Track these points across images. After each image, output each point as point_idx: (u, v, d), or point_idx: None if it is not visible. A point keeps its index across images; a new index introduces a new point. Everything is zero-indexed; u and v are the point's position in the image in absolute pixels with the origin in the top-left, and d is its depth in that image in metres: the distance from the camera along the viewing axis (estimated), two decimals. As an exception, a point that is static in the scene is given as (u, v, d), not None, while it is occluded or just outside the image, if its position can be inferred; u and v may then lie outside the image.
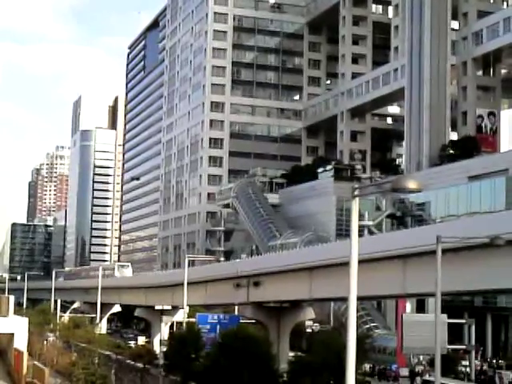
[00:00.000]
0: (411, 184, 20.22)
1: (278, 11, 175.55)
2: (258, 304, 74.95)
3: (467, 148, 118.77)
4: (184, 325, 79.29)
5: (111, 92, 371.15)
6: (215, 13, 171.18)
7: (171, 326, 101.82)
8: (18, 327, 52.61)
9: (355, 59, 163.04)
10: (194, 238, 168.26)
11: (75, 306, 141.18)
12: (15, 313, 62.66)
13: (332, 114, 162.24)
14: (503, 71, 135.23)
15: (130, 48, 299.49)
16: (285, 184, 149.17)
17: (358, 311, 58.66)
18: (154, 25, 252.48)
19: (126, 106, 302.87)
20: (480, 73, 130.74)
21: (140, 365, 65.81)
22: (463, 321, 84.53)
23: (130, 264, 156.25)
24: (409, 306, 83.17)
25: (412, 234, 64.47)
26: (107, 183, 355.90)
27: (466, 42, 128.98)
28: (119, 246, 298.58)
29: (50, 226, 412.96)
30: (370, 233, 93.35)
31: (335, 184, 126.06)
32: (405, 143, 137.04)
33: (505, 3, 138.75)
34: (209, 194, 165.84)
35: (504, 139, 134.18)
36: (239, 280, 76.76)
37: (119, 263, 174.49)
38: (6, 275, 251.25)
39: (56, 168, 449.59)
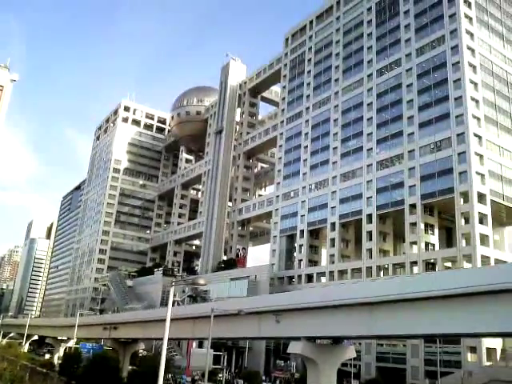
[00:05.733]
0: (201, 281, 20.41)
1: (143, 188, 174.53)
2: (115, 339, 70.60)
3: (231, 264, 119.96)
4: (73, 349, 74.29)
5: (50, 220, 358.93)
6: (111, 186, 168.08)
7: (65, 349, 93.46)
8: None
9: (180, 215, 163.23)
10: (85, 301, 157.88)
11: (11, 334, 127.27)
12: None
13: (165, 242, 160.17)
14: (251, 228, 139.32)
15: (63, 198, 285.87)
16: (136, 275, 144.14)
17: (168, 345, 56.30)
18: (78, 188, 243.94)
19: (57, 227, 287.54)
20: (240, 228, 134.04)
21: (44, 370, 59.65)
22: (221, 353, 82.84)
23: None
24: (195, 344, 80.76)
25: (200, 306, 63.60)
26: (40, 266, 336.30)
27: (235, 212, 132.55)
28: (43, 300, 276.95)
29: (4, 289, 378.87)
30: (178, 304, 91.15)
31: (163, 278, 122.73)
32: (200, 259, 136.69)
33: (254, 196, 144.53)
34: (96, 278, 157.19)
35: (249, 261, 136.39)
36: (106, 325, 72.54)
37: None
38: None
39: (12, 257, 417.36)
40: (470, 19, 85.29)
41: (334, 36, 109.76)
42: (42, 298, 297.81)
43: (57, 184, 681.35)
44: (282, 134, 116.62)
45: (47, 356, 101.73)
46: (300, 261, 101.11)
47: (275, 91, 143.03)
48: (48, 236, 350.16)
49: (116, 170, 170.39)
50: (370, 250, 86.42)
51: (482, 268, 53.53)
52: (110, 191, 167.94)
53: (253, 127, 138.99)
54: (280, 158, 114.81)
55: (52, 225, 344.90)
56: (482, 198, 74.45)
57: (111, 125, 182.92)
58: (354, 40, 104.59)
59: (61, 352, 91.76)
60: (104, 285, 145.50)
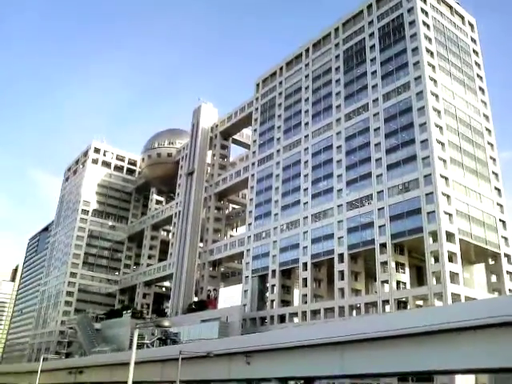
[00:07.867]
0: (166, 322, 20.86)
1: (112, 229, 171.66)
2: (78, 383, 68.38)
3: (202, 306, 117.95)
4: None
5: (15, 262, 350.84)
6: (80, 227, 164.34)
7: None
8: None
9: (150, 257, 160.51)
10: (50, 344, 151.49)
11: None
12: None
13: (134, 284, 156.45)
14: (222, 269, 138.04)
15: (30, 240, 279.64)
16: (105, 318, 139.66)
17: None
18: (46, 229, 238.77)
19: (22, 269, 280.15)
20: (211, 269, 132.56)
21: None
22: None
23: None
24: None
25: (168, 349, 62.48)
26: (3, 310, 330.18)
27: (206, 253, 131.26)
28: (5, 345, 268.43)
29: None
30: (147, 347, 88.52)
31: (131, 320, 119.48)
32: (170, 301, 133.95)
33: (225, 237, 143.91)
34: (62, 321, 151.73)
35: (220, 302, 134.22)
36: (71, 369, 70.34)
37: None
38: None
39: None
40: (433, 67, 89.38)
41: (304, 82, 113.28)
42: (4, 343, 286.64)
43: (22, 226, 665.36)
44: (253, 175, 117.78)
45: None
46: (272, 301, 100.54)
47: (246, 134, 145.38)
48: (13, 279, 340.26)
49: (85, 212, 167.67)
50: (342, 290, 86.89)
51: (451, 306, 54.20)
52: (79, 233, 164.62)
53: (224, 169, 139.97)
54: (251, 199, 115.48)
55: (17, 267, 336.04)
56: (450, 237, 76.13)
57: (81, 166, 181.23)
58: (322, 86, 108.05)
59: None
60: (71, 328, 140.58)
